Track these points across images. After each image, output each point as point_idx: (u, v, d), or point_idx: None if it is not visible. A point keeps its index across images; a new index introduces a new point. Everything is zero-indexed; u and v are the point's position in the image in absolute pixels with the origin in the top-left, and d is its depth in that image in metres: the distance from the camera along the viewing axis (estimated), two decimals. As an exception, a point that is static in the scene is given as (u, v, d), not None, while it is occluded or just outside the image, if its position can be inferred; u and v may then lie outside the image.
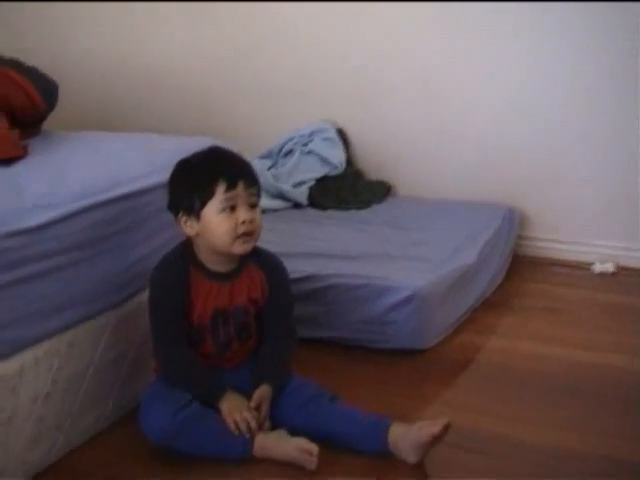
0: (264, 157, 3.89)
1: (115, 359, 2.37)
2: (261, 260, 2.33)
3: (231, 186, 2.19)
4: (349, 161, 3.87)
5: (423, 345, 2.78)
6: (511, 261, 3.50)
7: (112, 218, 2.32)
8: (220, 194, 2.19)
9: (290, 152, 3.87)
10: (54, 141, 2.72)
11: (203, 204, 2.20)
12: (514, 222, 3.55)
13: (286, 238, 3.18)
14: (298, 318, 2.47)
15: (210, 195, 2.20)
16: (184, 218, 2.24)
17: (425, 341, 2.79)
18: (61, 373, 2.20)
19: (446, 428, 2.12)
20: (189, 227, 2.24)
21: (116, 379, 2.39)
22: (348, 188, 3.76)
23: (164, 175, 2.32)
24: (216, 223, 2.20)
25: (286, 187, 3.69)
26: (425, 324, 2.77)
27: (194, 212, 2.22)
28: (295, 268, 2.64)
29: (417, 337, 2.77)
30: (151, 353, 2.34)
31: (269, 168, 3.82)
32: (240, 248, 2.23)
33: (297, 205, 3.71)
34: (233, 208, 2.20)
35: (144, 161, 2.52)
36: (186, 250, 2.29)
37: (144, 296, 2.34)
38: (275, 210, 3.59)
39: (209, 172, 2.22)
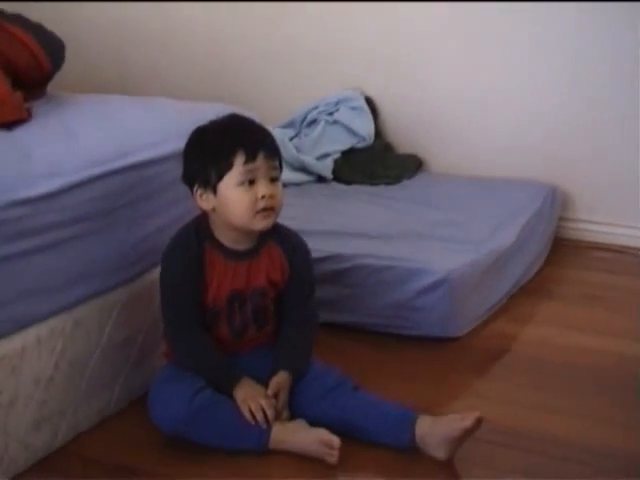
0: (286, 126, 3.87)
1: (123, 341, 2.38)
2: (282, 239, 2.32)
3: (250, 158, 2.17)
4: (378, 133, 3.84)
5: (454, 333, 2.78)
6: (552, 244, 3.48)
7: (123, 188, 2.31)
8: (239, 166, 2.17)
9: (314, 121, 3.85)
10: (60, 104, 2.70)
11: (220, 177, 2.19)
12: (556, 202, 3.52)
13: (308, 214, 3.17)
14: (319, 301, 2.47)
15: (228, 167, 2.18)
16: (199, 191, 2.23)
17: (456, 329, 2.78)
18: (65, 355, 2.21)
19: (478, 422, 2.11)
20: (205, 201, 2.23)
21: (124, 363, 2.40)
22: (376, 162, 3.74)
23: (179, 143, 2.31)
24: (234, 198, 2.18)
25: (309, 159, 3.68)
26: (456, 310, 2.77)
27: (210, 185, 2.20)
28: (317, 247, 2.63)
29: (448, 324, 2.76)
30: (162, 336, 2.35)
31: (291, 138, 3.81)
32: (260, 224, 2.21)
33: (321, 179, 3.69)
34: (252, 182, 2.18)
35: (158, 128, 2.51)
36: (201, 226, 2.28)
37: (156, 273, 2.34)
38: (297, 184, 3.58)
39: (227, 142, 2.20)
